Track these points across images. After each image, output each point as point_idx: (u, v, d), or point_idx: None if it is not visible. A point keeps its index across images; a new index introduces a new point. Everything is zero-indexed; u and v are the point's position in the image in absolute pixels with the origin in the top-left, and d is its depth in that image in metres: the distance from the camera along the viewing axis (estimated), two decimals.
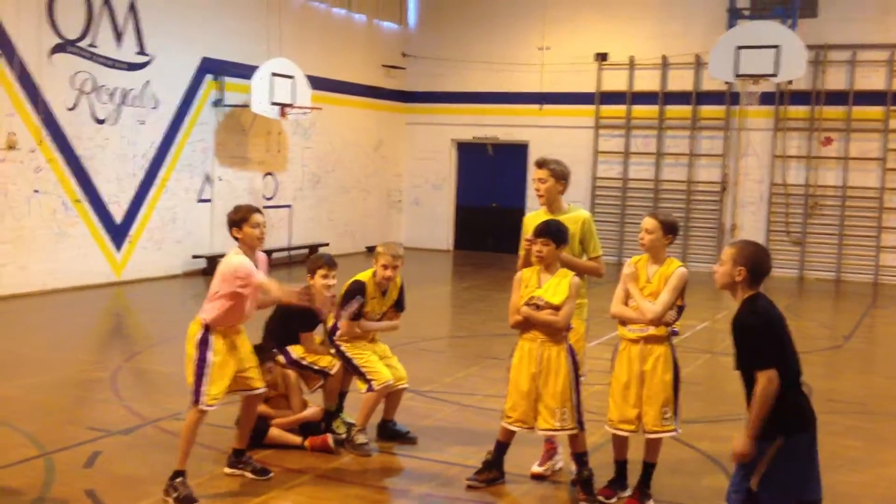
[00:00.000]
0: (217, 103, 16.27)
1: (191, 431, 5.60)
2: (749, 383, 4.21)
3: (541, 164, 6.23)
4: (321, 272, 6.58)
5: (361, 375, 6.55)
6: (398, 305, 6.82)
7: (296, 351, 6.73)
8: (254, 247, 5.73)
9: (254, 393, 5.92)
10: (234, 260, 5.63)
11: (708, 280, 19.85)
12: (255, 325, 7.03)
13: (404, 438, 6.79)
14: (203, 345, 5.61)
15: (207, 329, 5.64)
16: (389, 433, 6.83)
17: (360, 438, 6.48)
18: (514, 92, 20.57)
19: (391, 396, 6.79)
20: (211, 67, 16.08)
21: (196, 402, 5.58)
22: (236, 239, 5.74)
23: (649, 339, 5.56)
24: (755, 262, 4.29)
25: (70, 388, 8.26)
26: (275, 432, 6.51)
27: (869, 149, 18.00)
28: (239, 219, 5.71)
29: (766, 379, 4.09)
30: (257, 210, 5.80)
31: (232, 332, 5.73)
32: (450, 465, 6.34)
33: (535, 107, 20.39)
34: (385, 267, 6.55)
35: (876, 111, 17.84)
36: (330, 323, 6.75)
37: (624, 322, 5.65)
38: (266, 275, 5.84)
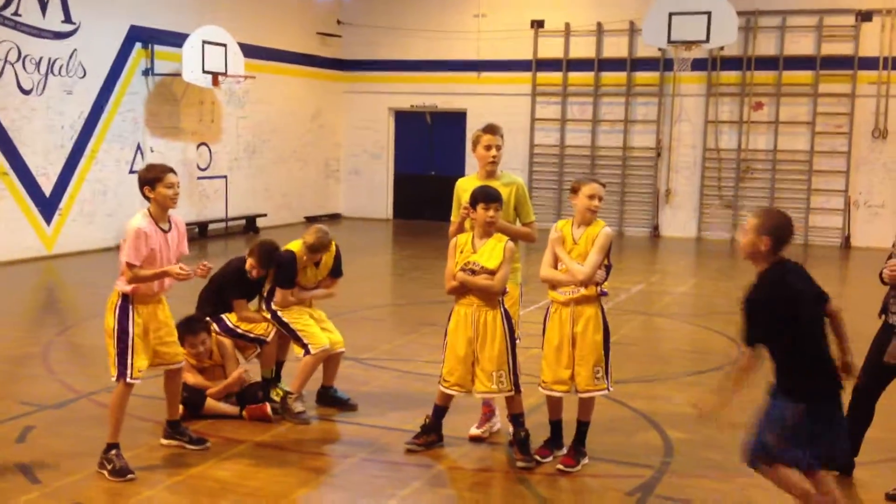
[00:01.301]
0: (147, 72, 15.93)
1: (119, 405, 5.50)
2: (768, 347, 4.30)
3: (496, 130, 6.24)
4: (250, 261, 6.62)
5: (298, 340, 6.54)
6: (335, 272, 6.81)
7: (230, 319, 6.68)
8: (167, 207, 5.56)
9: (175, 367, 5.84)
10: (131, 225, 5.44)
11: (643, 244, 20.19)
12: (189, 293, 6.99)
13: (345, 405, 6.81)
14: (122, 314, 5.48)
15: (126, 299, 5.51)
16: (329, 400, 6.84)
17: (297, 406, 6.47)
18: (451, 60, 20.50)
19: (329, 362, 6.79)
20: (140, 35, 15.72)
21: (121, 375, 5.47)
22: (148, 199, 5.56)
23: (579, 301, 5.64)
24: (779, 230, 4.33)
25: (1, 364, 8.09)
26: (211, 403, 6.48)
27: (798, 113, 18.36)
28: (152, 177, 5.51)
29: (745, 356, 4.23)
30: (171, 170, 5.59)
31: (152, 301, 5.60)
32: (389, 430, 6.38)
33: (473, 74, 20.36)
34: (313, 249, 6.53)
35: (805, 76, 18.18)
36: (266, 290, 6.71)
37: (554, 285, 5.72)
38: (185, 242, 5.74)
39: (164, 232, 5.58)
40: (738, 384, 4.31)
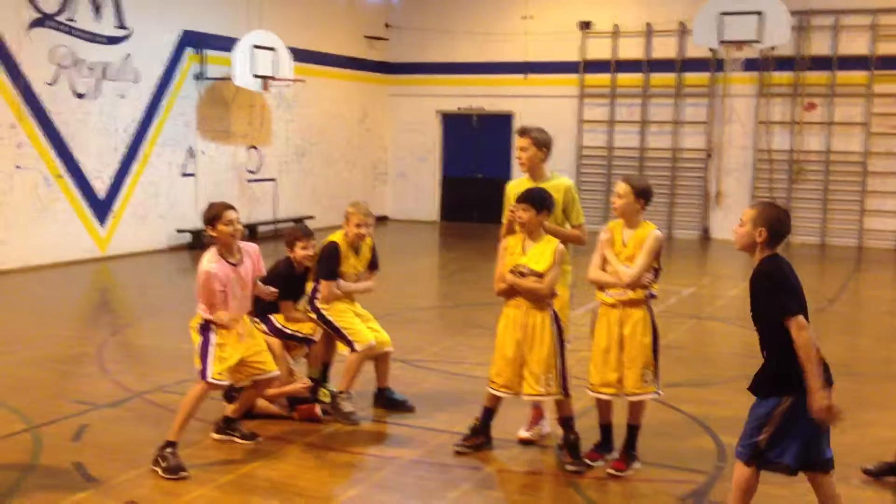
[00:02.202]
0: (199, 76, 16.14)
1: (192, 404, 5.64)
2: (765, 336, 4.30)
3: (522, 132, 6.23)
4: (300, 244, 6.64)
5: (343, 338, 6.56)
6: (372, 265, 6.84)
7: (278, 320, 6.73)
8: (229, 244, 5.78)
9: (266, 377, 6.00)
10: (202, 268, 5.71)
11: (693, 246, 20.01)
12: None
13: (402, 407, 6.81)
14: (205, 330, 5.73)
15: (206, 322, 5.74)
16: (386, 402, 6.85)
17: (347, 406, 6.49)
18: (498, 62, 20.48)
19: (380, 363, 6.81)
20: (191, 40, 15.94)
21: (203, 375, 5.65)
22: (212, 238, 5.78)
23: (627, 304, 5.59)
24: (776, 223, 4.33)
25: (56, 363, 8.24)
26: (262, 403, 6.52)
27: (852, 113, 18.04)
28: (212, 216, 5.74)
29: (797, 325, 4.17)
30: (230, 207, 5.81)
31: (232, 323, 5.77)
32: (437, 432, 6.37)
33: (520, 76, 20.31)
34: (358, 225, 6.58)
35: (859, 76, 17.86)
36: (309, 288, 6.75)
37: (602, 287, 5.68)
38: (260, 265, 5.97)
39: (235, 265, 5.78)
40: (817, 362, 4.17)
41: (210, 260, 5.72)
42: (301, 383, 6.63)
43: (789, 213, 4.49)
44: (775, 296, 4.24)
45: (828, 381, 4.23)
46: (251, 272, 5.91)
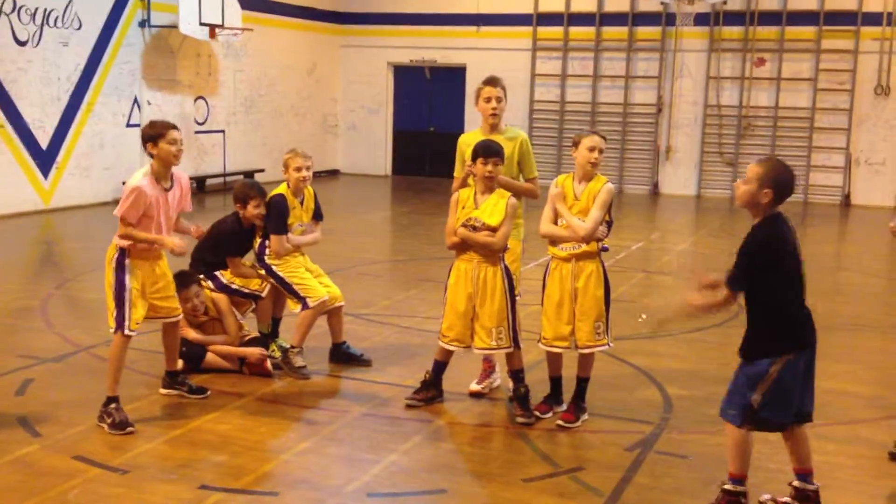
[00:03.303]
0: (143, 24, 15.73)
1: (118, 357, 5.51)
2: (747, 298, 4.33)
3: (494, 82, 6.13)
4: (253, 202, 6.52)
5: (295, 294, 6.51)
6: (317, 215, 6.77)
7: (224, 276, 6.65)
8: (170, 164, 5.55)
9: (173, 320, 5.84)
10: (131, 183, 5.44)
11: (643, 201, 20.13)
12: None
13: (359, 361, 6.80)
14: (120, 269, 5.48)
15: (123, 253, 5.49)
16: (343, 356, 6.83)
17: (298, 361, 6.46)
18: (450, 13, 20.27)
19: (333, 318, 6.77)
20: None
21: (119, 327, 5.48)
22: (151, 155, 5.53)
23: (580, 257, 5.61)
24: (782, 183, 4.26)
25: None
26: (211, 357, 6.47)
27: (801, 69, 18.22)
28: (155, 134, 5.50)
29: (728, 296, 4.28)
30: (174, 126, 5.58)
31: (150, 256, 5.60)
32: (389, 385, 6.38)
33: (473, 28, 20.14)
34: (297, 169, 6.52)
35: (808, 31, 18.01)
36: (257, 244, 6.67)
37: (554, 241, 5.68)
38: (188, 199, 5.75)
39: (166, 190, 5.57)
40: (707, 308, 4.43)
41: (141, 178, 5.45)
42: (258, 351, 6.51)
43: (794, 172, 4.39)
44: (738, 262, 4.25)
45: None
46: (178, 201, 5.67)
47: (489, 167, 5.60)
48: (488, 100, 6.08)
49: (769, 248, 4.25)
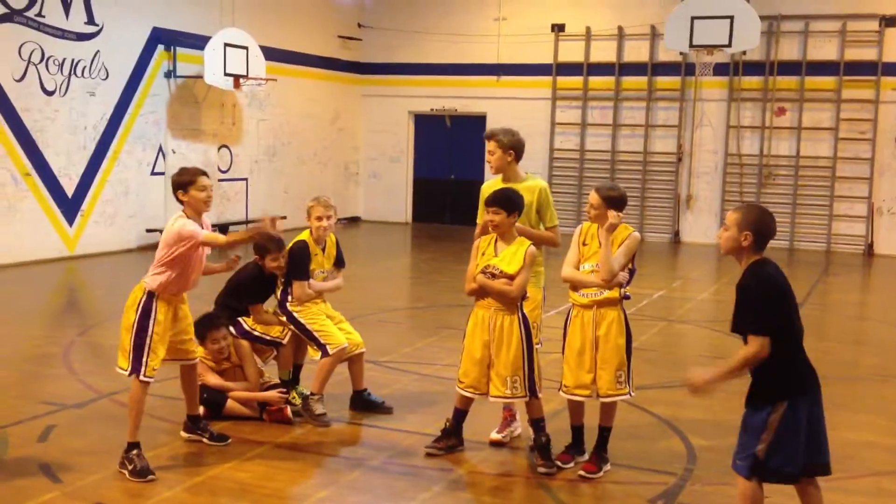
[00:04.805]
0: (169, 74, 16.00)
1: (138, 402, 5.53)
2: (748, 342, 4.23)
3: (489, 136, 6.21)
4: (270, 257, 6.58)
5: (315, 341, 6.51)
6: (338, 262, 6.81)
7: (246, 322, 6.68)
8: (200, 211, 5.63)
9: (190, 363, 5.89)
10: (177, 223, 5.52)
11: (664, 249, 20.07)
12: (204, 296, 6.99)
13: (380, 408, 6.77)
14: (145, 314, 5.50)
15: (151, 296, 5.53)
16: (363, 404, 6.80)
17: (318, 408, 6.46)
18: (471, 63, 20.47)
19: (354, 365, 6.77)
20: (162, 37, 15.80)
21: (135, 372, 5.48)
22: (181, 202, 5.62)
23: (602, 304, 5.60)
24: (761, 226, 4.26)
25: (22, 363, 8.13)
26: (232, 404, 6.47)
27: (821, 119, 18.23)
28: (185, 181, 5.59)
29: (759, 345, 4.12)
30: (204, 173, 5.68)
31: (176, 300, 5.65)
32: (409, 433, 6.35)
33: (493, 78, 20.32)
34: (319, 218, 6.57)
35: (828, 81, 18.05)
36: (279, 291, 6.70)
37: (576, 287, 5.68)
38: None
39: None
40: (738, 371, 4.23)
41: (184, 219, 5.54)
42: (277, 393, 6.53)
43: (773, 215, 4.39)
44: (750, 309, 4.18)
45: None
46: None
47: (490, 215, 5.65)
48: (487, 153, 6.17)
49: (768, 292, 4.20)
